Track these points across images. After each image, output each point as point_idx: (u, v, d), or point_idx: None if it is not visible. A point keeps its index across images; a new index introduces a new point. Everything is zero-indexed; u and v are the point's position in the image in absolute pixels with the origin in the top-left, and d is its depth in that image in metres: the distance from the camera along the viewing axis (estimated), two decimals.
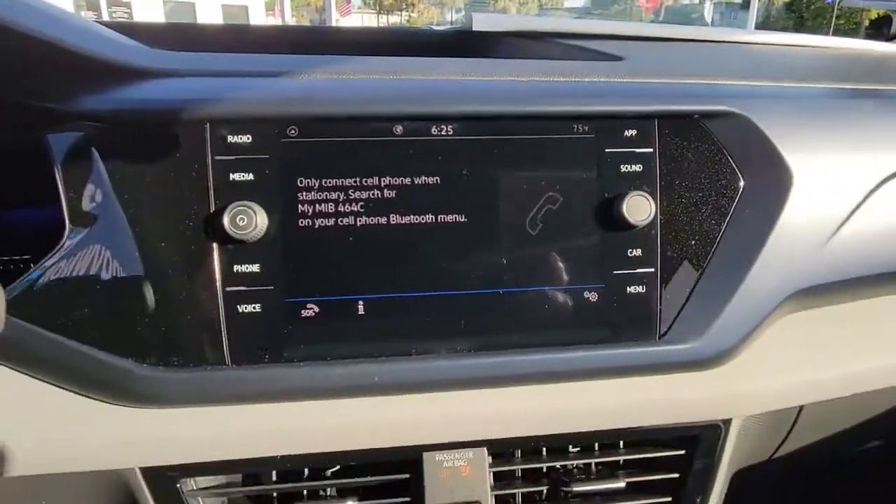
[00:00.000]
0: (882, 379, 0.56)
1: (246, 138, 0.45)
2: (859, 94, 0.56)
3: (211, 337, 0.44)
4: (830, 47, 0.71)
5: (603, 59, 0.56)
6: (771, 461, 0.60)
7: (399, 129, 0.46)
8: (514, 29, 0.66)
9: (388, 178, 0.46)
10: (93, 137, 0.44)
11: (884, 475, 0.79)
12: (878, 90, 0.58)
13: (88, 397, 0.44)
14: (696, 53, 0.61)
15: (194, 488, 0.48)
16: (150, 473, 0.46)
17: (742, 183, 0.50)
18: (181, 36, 0.75)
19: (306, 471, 0.50)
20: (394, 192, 0.46)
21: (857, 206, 0.51)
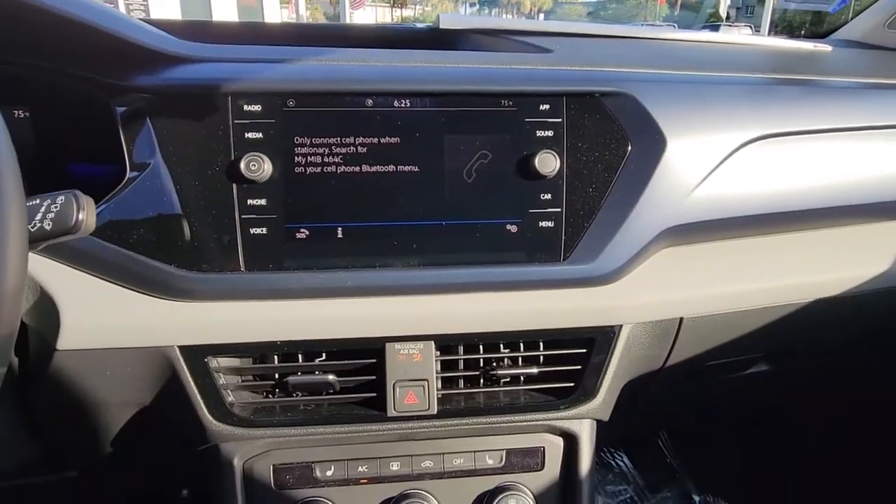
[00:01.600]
0: (746, 299, 0.72)
1: (257, 107, 0.61)
2: (729, 80, 0.72)
3: (230, 250, 0.61)
4: (740, 44, 0.87)
5: (535, 52, 0.72)
6: (663, 370, 0.76)
7: (370, 102, 0.63)
8: (472, 27, 0.82)
9: (361, 139, 0.63)
10: (145, 106, 0.61)
11: (755, 386, 0.95)
12: (746, 77, 0.73)
13: (142, 293, 0.61)
14: (611, 47, 0.77)
15: (218, 365, 0.65)
16: (186, 351, 0.63)
17: (629, 147, 0.66)
18: (206, 31, 0.92)
19: (300, 357, 0.67)
20: (365, 148, 0.63)
21: (717, 166, 0.66)
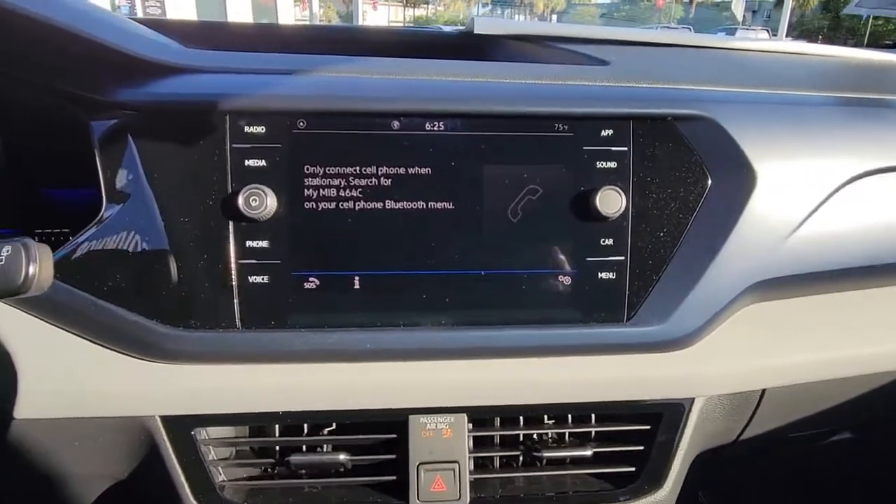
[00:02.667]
0: (841, 368, 0.60)
1: (260, 129, 0.51)
2: (827, 101, 0.60)
3: (225, 303, 0.50)
4: (817, 55, 0.75)
5: (589, 63, 0.61)
6: (737, 444, 0.64)
7: (396, 124, 0.52)
8: (512, 32, 0.71)
9: (384, 168, 0.52)
10: (129, 125, 0.50)
11: (847, 459, 0.83)
12: (847, 97, 0.62)
13: (117, 352, 0.51)
14: (677, 58, 0.65)
15: (207, 437, 0.54)
16: (169, 422, 0.52)
17: (709, 181, 0.54)
18: (212, 33, 0.81)
19: (305, 427, 0.56)
20: (389, 180, 0.52)
21: (817, 208, 0.55)
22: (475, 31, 0.70)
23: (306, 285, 0.51)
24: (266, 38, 0.83)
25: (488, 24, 0.70)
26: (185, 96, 0.50)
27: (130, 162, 0.50)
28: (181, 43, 0.61)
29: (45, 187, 0.69)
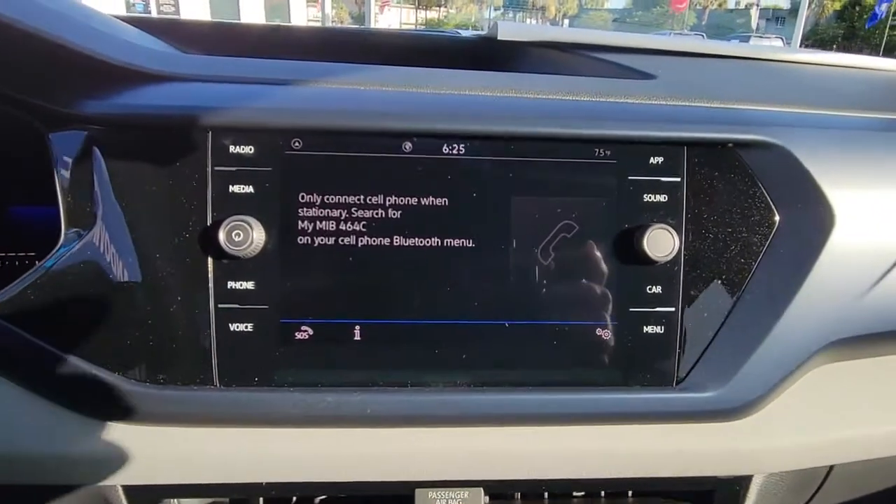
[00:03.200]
0: None
1: (248, 149, 0.43)
2: None
3: (200, 355, 0.42)
4: (881, 69, 0.66)
5: (633, 77, 0.53)
6: None
7: (408, 145, 0.44)
8: (541, 39, 0.62)
9: (393, 198, 0.44)
10: (92, 141, 0.42)
11: None
12: None
13: (72, 410, 0.43)
14: (733, 73, 0.57)
15: None
16: (133, 492, 0.45)
17: (777, 219, 0.46)
18: (215, 34, 0.74)
19: (293, 500, 0.48)
20: (399, 212, 0.44)
21: None
22: (498, 37, 0.62)
23: (297, 335, 0.43)
24: (272, 41, 0.76)
25: (514, 29, 0.62)
26: (160, 109, 0.42)
27: (93, 184, 0.42)
28: (178, 46, 0.53)
29: (13, 205, 0.61)
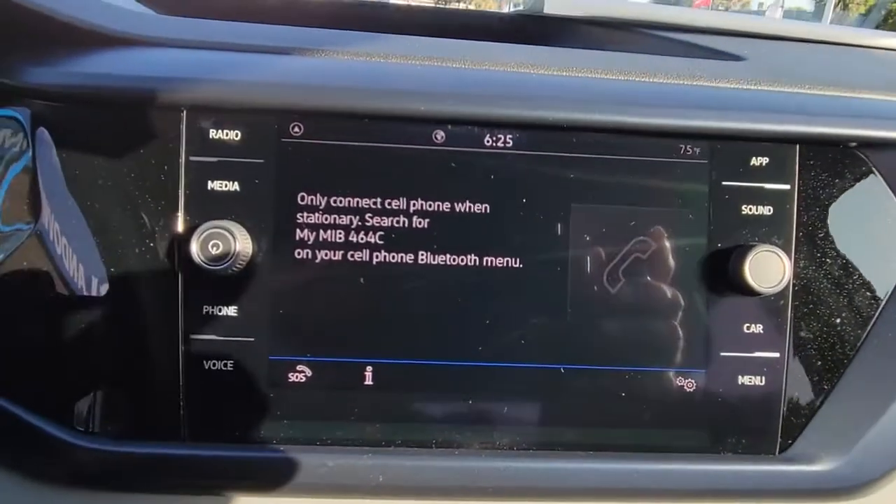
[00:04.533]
0: None
1: (233, 134, 0.33)
2: None
3: (166, 401, 0.33)
4: None
5: (717, 58, 0.42)
6: None
7: (440, 135, 0.34)
8: (598, 15, 0.52)
9: (419, 202, 0.34)
10: (38, 120, 0.33)
11: None
12: None
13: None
14: (842, 59, 0.46)
15: None
16: None
17: None
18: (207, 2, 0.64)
19: None
20: (426, 220, 0.34)
21: None
22: (545, 12, 0.52)
23: (291, 377, 0.34)
24: (271, 5, 0.66)
25: (565, 1, 0.52)
26: (122, 80, 0.33)
27: (36, 176, 0.33)
28: (151, 5, 0.44)
29: None
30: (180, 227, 0.33)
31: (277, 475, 0.33)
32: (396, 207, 0.34)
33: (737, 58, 0.42)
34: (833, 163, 0.35)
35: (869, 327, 0.35)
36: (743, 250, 0.34)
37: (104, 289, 0.33)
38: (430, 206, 0.34)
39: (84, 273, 0.33)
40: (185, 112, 0.33)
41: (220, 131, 0.33)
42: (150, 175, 0.33)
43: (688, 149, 0.35)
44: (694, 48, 0.45)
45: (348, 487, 0.33)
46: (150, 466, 0.33)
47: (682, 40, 0.47)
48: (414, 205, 0.34)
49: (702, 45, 0.46)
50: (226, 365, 0.33)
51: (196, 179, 0.33)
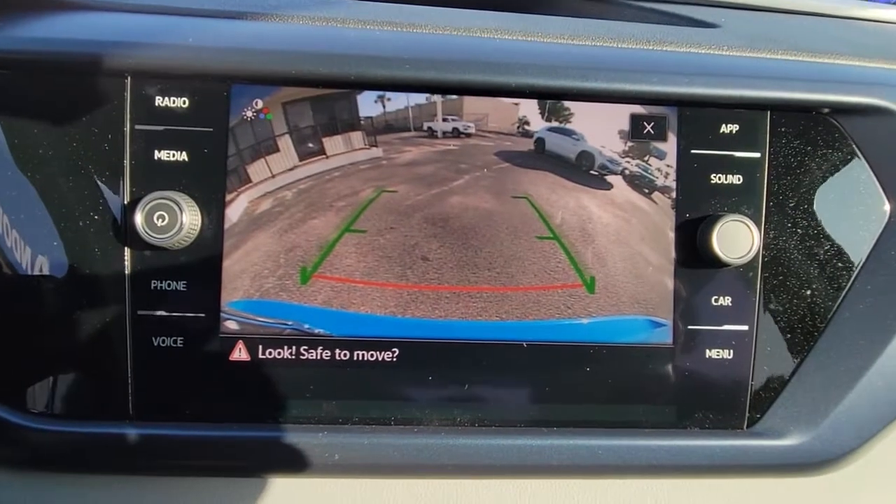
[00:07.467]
0: None
1: (181, 101, 0.32)
2: None
3: (112, 379, 0.32)
4: None
5: (691, 26, 0.41)
6: None
7: (389, 98, 0.32)
8: None
9: (373, 169, 0.33)
10: None
11: None
12: None
13: None
14: (816, 27, 0.45)
15: None
16: None
17: (888, 209, 0.34)
18: None
19: None
20: (380, 183, 0.33)
21: None
22: None
23: (239, 354, 0.32)
24: None
25: None
26: (62, 45, 0.31)
27: None
28: None
29: None
30: (126, 198, 0.31)
31: (227, 455, 0.32)
32: (352, 173, 0.33)
33: (711, 25, 0.41)
34: (805, 130, 0.34)
35: (840, 299, 0.34)
36: (711, 220, 0.33)
37: (48, 265, 0.31)
38: (385, 172, 0.33)
39: (27, 249, 0.31)
40: (129, 78, 0.31)
41: (166, 98, 0.32)
42: (94, 145, 0.32)
43: (650, 121, 0.34)
44: (669, 16, 0.44)
45: (303, 466, 0.32)
46: (99, 447, 0.31)
47: (657, 9, 0.46)
48: (371, 172, 0.33)
49: (677, 14, 0.44)
50: (174, 342, 0.32)
51: (142, 149, 0.32)
